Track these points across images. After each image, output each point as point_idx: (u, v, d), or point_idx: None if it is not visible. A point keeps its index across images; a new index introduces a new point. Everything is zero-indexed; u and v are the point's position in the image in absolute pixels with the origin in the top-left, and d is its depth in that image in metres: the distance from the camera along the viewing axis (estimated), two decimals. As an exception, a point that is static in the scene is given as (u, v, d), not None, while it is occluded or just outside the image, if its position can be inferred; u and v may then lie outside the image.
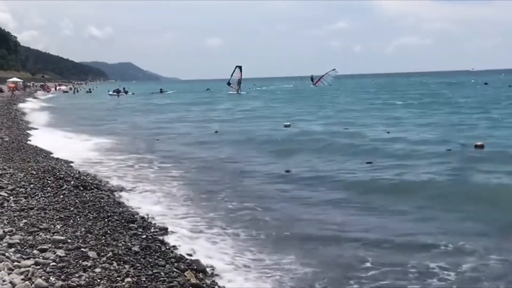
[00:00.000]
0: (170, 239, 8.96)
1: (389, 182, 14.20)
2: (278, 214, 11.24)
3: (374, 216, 11.17)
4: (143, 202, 11.87)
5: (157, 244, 8.21)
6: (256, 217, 10.99)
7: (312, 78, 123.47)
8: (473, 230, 9.97)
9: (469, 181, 14.21)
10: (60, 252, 6.76)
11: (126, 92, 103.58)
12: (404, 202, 12.15)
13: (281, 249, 8.92)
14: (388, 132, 25.50)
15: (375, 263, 8.27)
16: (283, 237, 9.68)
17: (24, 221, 8.16)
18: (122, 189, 13.03)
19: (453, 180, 14.34)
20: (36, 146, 19.44)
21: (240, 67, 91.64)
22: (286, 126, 30.29)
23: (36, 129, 28.62)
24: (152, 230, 9.16)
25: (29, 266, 6.16)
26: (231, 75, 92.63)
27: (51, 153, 18.23)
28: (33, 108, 51.69)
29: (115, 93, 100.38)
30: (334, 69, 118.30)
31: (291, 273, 7.87)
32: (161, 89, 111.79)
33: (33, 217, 8.49)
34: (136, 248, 7.61)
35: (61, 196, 10.32)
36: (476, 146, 19.71)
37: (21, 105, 54.62)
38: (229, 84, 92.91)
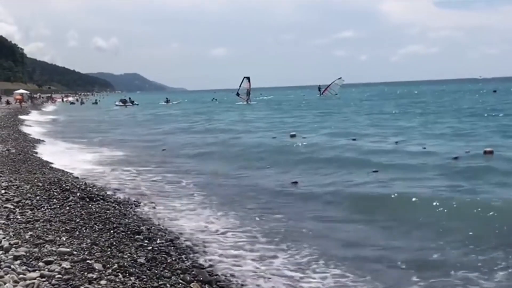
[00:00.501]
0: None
1: (397, 194, 14.04)
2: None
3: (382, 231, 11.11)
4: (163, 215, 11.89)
5: (163, 255, 8.19)
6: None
7: (319, 88, 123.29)
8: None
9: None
10: (66, 264, 6.75)
11: (132, 103, 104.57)
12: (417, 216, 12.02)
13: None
14: (397, 143, 25.47)
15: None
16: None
17: (30, 233, 8.16)
18: (139, 202, 13.05)
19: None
20: (41, 158, 19.48)
21: (248, 78, 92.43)
22: (292, 136, 30.30)
23: (43, 141, 28.64)
24: (158, 242, 9.13)
25: (35, 279, 6.15)
26: (240, 86, 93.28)
27: (52, 163, 18.27)
28: (40, 121, 51.80)
29: (121, 103, 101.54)
30: (340, 78, 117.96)
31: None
32: (167, 99, 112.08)
33: (39, 229, 8.49)
34: (141, 260, 7.59)
35: (67, 208, 10.32)
36: (485, 152, 19.58)
37: (27, 117, 54.74)
38: (238, 94, 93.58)
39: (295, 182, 16.21)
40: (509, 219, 11.06)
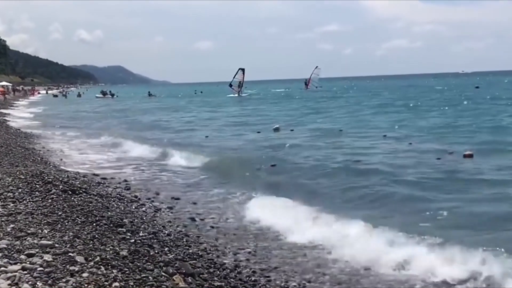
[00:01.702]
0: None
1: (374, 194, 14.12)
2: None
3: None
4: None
5: (146, 248, 8.19)
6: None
7: (306, 82, 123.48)
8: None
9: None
10: (48, 257, 6.70)
11: (112, 95, 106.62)
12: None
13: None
14: (385, 136, 25.77)
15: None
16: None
17: (12, 225, 8.09)
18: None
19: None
20: (25, 150, 19.34)
21: (243, 70, 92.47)
22: (275, 130, 30.42)
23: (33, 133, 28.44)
24: (141, 234, 9.12)
25: (16, 271, 6.10)
26: (233, 77, 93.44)
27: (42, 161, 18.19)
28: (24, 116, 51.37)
29: (101, 95, 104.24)
30: (317, 67, 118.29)
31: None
32: (149, 92, 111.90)
33: (21, 221, 8.42)
34: (124, 253, 7.57)
35: (49, 201, 10.24)
36: (465, 155, 19.24)
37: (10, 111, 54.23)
38: (230, 85, 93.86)
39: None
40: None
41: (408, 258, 8.77)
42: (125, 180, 15.76)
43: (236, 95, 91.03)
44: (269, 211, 11.89)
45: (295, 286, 7.98)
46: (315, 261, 9.10)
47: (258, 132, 30.11)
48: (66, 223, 8.74)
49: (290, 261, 9.05)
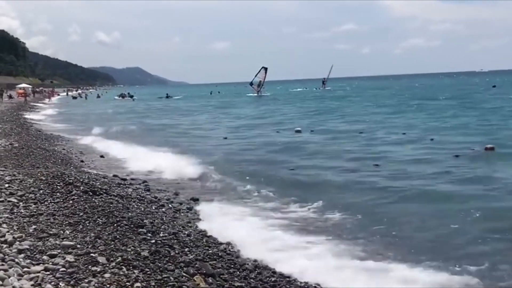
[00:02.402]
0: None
1: (397, 191, 14.22)
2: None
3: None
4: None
5: (166, 249, 8.21)
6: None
7: (323, 81, 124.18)
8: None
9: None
10: (70, 258, 6.77)
11: (131, 97, 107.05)
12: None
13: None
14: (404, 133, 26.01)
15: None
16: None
17: (34, 227, 8.19)
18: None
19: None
20: (45, 152, 19.49)
21: (265, 69, 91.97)
22: (297, 131, 30.51)
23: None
24: (161, 235, 9.15)
25: (39, 272, 6.18)
26: (255, 76, 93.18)
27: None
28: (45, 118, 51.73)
29: (120, 97, 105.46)
30: (332, 66, 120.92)
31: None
32: (167, 94, 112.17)
33: (43, 222, 8.52)
34: (145, 253, 7.61)
35: (70, 202, 10.33)
36: (486, 148, 19.53)
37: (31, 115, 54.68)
38: (251, 84, 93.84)
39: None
40: None
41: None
42: (145, 181, 15.81)
43: (256, 94, 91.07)
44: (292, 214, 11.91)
45: (315, 285, 7.96)
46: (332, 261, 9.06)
47: (278, 132, 30.32)
48: (88, 224, 8.81)
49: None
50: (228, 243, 9.64)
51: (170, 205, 12.65)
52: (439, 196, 13.26)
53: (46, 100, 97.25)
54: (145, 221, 9.93)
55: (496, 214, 11.40)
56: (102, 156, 21.67)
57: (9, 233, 7.63)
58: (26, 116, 44.06)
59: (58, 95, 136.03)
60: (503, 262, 8.64)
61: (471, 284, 7.89)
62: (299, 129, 31.16)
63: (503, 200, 12.72)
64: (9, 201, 9.71)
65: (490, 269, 8.39)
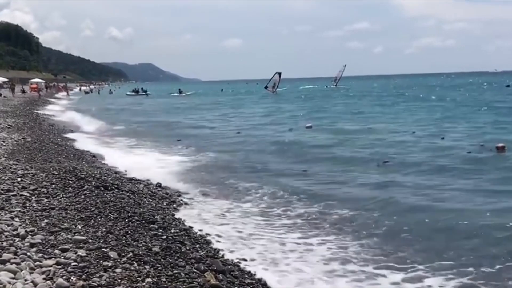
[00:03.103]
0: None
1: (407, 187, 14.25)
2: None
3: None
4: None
5: (177, 245, 8.22)
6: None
7: (335, 80, 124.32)
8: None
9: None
10: (81, 252, 6.79)
11: (145, 92, 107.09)
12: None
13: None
14: (414, 132, 25.91)
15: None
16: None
17: (46, 221, 8.22)
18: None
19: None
20: (57, 146, 19.57)
21: (279, 73, 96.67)
22: (308, 127, 30.62)
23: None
24: (172, 231, 9.16)
25: (51, 266, 6.20)
26: (269, 81, 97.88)
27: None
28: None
29: (133, 93, 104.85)
30: (345, 65, 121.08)
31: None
32: (179, 90, 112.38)
33: (55, 217, 8.55)
34: (156, 249, 7.62)
35: (82, 196, 10.37)
36: (497, 148, 19.51)
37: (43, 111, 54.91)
38: (266, 87, 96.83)
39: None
40: None
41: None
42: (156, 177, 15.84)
43: (271, 92, 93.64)
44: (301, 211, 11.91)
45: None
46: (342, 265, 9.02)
47: (290, 130, 30.40)
48: (99, 219, 8.83)
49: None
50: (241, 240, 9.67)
51: (181, 201, 12.67)
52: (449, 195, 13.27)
53: (60, 94, 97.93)
54: (156, 217, 9.94)
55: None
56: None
57: (21, 226, 7.66)
58: (39, 112, 44.24)
59: (71, 90, 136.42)
60: None
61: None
62: (309, 125, 31.23)
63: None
64: (21, 195, 9.75)
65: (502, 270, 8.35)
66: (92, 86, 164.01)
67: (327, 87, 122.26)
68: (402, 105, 51.13)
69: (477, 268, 8.33)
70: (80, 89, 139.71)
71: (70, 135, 26.20)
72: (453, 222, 10.72)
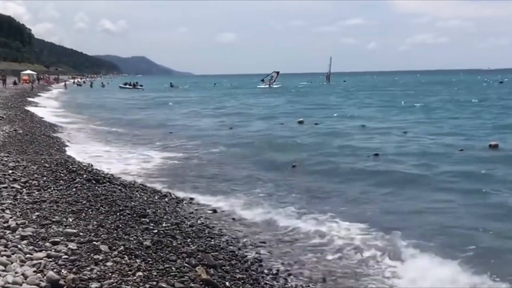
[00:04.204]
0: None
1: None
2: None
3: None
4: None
5: (169, 239, 8.22)
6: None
7: (327, 76, 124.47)
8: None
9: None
10: (72, 245, 6.77)
11: (136, 85, 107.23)
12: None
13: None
14: (406, 132, 25.67)
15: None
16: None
17: (37, 213, 8.19)
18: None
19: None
20: (49, 139, 19.50)
21: (277, 72, 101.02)
22: (299, 122, 30.75)
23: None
24: (163, 225, 9.15)
25: (41, 259, 6.18)
26: (267, 76, 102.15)
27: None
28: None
29: (130, 86, 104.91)
30: (331, 57, 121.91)
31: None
32: (171, 84, 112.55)
33: (46, 209, 8.52)
34: (147, 243, 7.62)
35: (74, 189, 10.34)
36: (490, 145, 19.59)
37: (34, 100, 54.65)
38: (262, 80, 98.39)
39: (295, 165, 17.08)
40: None
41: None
42: (147, 169, 15.85)
43: (267, 86, 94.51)
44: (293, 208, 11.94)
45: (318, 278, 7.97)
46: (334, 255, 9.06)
47: (282, 124, 30.51)
48: (90, 212, 8.82)
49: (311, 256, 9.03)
50: (230, 235, 9.68)
51: (173, 195, 12.66)
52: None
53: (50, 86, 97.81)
54: (147, 210, 9.94)
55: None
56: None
57: (12, 219, 7.62)
58: (30, 100, 44.03)
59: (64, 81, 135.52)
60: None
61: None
62: (301, 119, 31.31)
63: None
64: (12, 187, 9.71)
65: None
66: (81, 80, 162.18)
67: (320, 83, 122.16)
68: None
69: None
70: (73, 82, 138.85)
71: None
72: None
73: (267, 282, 7.62)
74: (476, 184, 13.80)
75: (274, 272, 8.07)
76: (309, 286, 7.72)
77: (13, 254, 6.19)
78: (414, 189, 13.52)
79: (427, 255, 8.73)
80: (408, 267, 8.33)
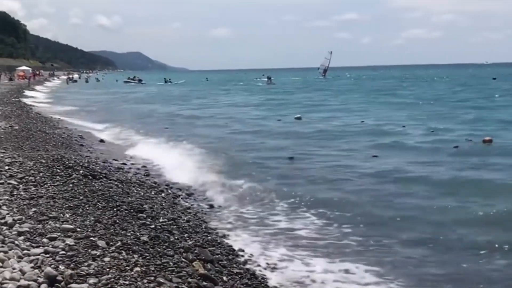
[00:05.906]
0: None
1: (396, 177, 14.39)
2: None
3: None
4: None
5: (166, 234, 8.22)
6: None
7: (324, 70, 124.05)
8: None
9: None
10: (70, 241, 6.77)
11: (139, 80, 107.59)
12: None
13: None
14: (404, 126, 25.72)
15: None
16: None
17: (34, 209, 8.17)
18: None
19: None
20: (45, 135, 19.45)
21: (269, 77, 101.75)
22: (297, 118, 30.69)
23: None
24: (161, 220, 9.15)
25: (39, 255, 6.18)
26: (263, 75, 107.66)
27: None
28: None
29: (136, 81, 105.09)
30: (331, 52, 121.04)
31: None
32: (165, 79, 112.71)
33: (43, 205, 8.50)
34: (145, 238, 7.62)
35: (70, 185, 10.30)
36: (484, 141, 19.64)
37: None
38: (263, 75, 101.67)
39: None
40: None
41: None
42: (144, 166, 15.83)
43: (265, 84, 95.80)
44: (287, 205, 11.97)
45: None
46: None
47: (279, 120, 30.49)
48: (87, 208, 8.80)
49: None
50: (227, 230, 9.71)
51: (169, 191, 12.67)
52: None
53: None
54: (144, 206, 9.93)
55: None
56: (102, 141, 21.75)
57: (9, 215, 7.61)
58: (26, 94, 43.88)
59: (58, 78, 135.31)
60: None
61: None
62: (299, 115, 31.28)
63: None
64: (9, 184, 9.68)
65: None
66: (76, 75, 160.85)
67: (322, 76, 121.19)
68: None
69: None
70: (69, 78, 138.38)
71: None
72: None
73: (265, 276, 7.65)
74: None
75: (272, 266, 8.11)
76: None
77: (10, 250, 6.19)
78: (416, 187, 13.51)
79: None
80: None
